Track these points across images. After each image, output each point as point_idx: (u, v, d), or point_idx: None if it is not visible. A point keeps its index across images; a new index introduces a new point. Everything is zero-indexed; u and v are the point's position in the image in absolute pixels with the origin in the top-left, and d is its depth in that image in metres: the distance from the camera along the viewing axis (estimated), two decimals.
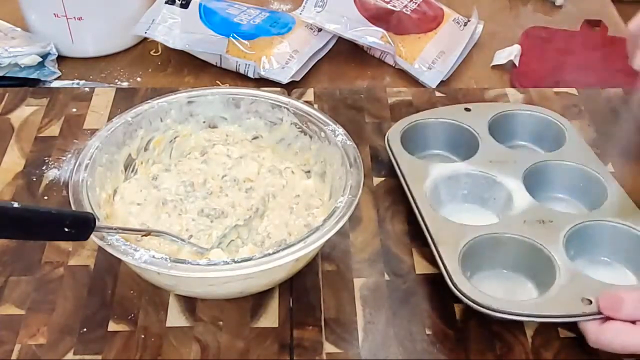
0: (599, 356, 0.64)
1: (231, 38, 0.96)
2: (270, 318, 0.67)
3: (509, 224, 0.71)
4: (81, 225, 0.59)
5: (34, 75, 0.96)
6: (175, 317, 0.67)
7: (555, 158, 0.79)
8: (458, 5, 1.09)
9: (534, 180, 0.76)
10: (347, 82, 0.98)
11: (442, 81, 0.97)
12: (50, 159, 0.83)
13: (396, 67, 1.00)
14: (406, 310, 0.68)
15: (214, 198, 0.72)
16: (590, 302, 0.62)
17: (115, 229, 0.63)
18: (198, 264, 0.60)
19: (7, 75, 0.95)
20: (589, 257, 0.71)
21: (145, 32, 0.98)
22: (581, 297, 0.63)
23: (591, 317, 0.62)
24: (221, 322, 0.67)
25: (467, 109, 0.85)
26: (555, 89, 0.95)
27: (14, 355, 0.64)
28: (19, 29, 1.02)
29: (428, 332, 0.66)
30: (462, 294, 0.64)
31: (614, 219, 0.71)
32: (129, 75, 0.99)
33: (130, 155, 0.74)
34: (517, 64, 1.00)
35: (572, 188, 0.78)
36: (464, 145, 0.82)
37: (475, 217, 0.75)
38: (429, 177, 0.76)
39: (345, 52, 1.02)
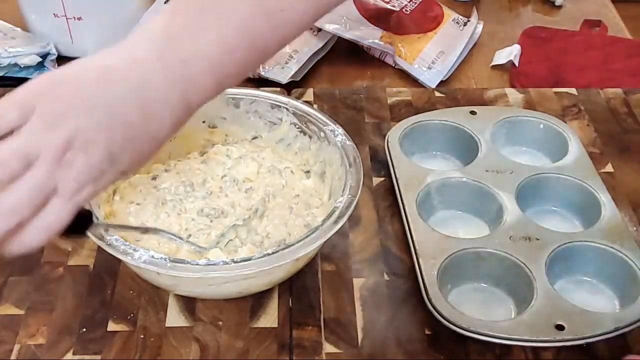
0: (599, 357, 0.64)
1: None
2: (269, 318, 0.67)
3: (494, 238, 0.71)
4: (78, 221, 0.59)
5: (34, 75, 0.96)
6: (175, 317, 0.67)
7: (554, 171, 0.78)
8: (458, 5, 1.09)
9: (530, 192, 0.76)
10: (346, 82, 0.98)
11: (441, 81, 0.97)
12: None
13: (396, 67, 1.00)
14: (406, 310, 0.68)
15: (213, 198, 0.72)
16: (563, 328, 0.62)
17: (114, 226, 0.63)
18: (197, 264, 0.60)
19: (7, 75, 0.95)
20: (573, 277, 0.70)
21: None
22: (554, 323, 0.63)
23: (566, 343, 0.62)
24: (221, 322, 0.67)
25: (473, 112, 0.85)
26: (555, 89, 0.95)
27: (14, 355, 0.64)
28: (19, 29, 1.02)
29: (428, 332, 0.66)
30: (436, 311, 0.64)
31: (602, 241, 0.70)
32: None
33: None
34: (517, 64, 1.00)
35: (568, 202, 0.77)
36: (465, 149, 0.82)
37: (467, 227, 0.75)
38: (423, 183, 0.76)
39: (345, 52, 1.02)
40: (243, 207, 0.71)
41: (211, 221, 0.70)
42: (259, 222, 0.71)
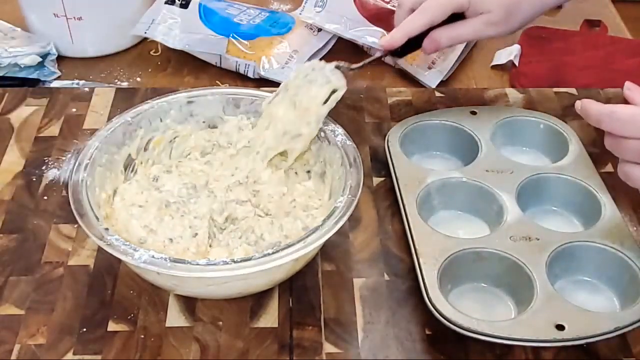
0: (599, 357, 0.65)
1: (231, 38, 0.96)
2: (269, 318, 0.67)
3: (494, 238, 0.71)
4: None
5: (34, 75, 0.96)
6: (175, 317, 0.67)
7: (554, 171, 0.78)
8: None
9: (530, 192, 0.76)
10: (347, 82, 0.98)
11: (441, 81, 0.97)
12: (50, 159, 0.83)
13: (396, 67, 1.00)
14: (406, 310, 0.68)
15: (215, 198, 0.72)
16: (563, 328, 0.62)
17: None
18: (198, 264, 0.60)
19: (7, 75, 0.95)
20: (573, 277, 0.70)
21: (145, 32, 0.98)
22: (554, 323, 0.63)
23: None
24: (221, 322, 0.67)
25: (473, 112, 0.85)
26: (555, 89, 0.95)
27: (14, 355, 0.64)
28: (19, 29, 1.02)
29: (428, 332, 0.66)
30: (436, 311, 0.63)
31: (602, 241, 0.70)
32: (128, 75, 0.99)
33: (130, 156, 0.74)
34: (517, 64, 1.00)
35: (568, 202, 0.77)
36: (465, 149, 0.82)
37: (467, 227, 0.75)
38: (423, 183, 0.76)
39: (345, 52, 1.01)
40: (243, 208, 0.71)
41: (214, 222, 0.70)
42: (259, 223, 0.70)
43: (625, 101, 0.70)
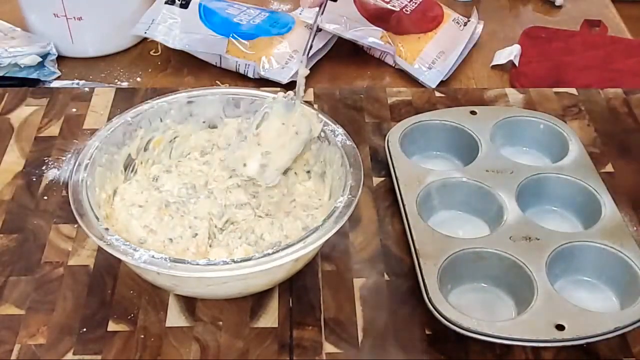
0: (599, 357, 0.65)
1: (231, 38, 0.96)
2: (269, 318, 0.67)
3: (494, 238, 0.71)
4: None
5: (33, 75, 0.96)
6: (175, 317, 0.67)
7: (554, 171, 0.78)
8: (458, 5, 1.09)
9: (530, 192, 0.76)
10: (347, 82, 0.98)
11: (441, 81, 0.97)
12: (50, 159, 0.83)
13: (396, 67, 1.00)
14: (406, 310, 0.68)
15: (215, 200, 0.72)
16: (563, 328, 0.62)
17: None
18: (197, 264, 0.60)
19: (7, 75, 0.95)
20: (573, 277, 0.70)
21: (145, 32, 0.98)
22: (554, 323, 0.63)
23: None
24: (221, 322, 0.67)
25: (473, 112, 0.85)
26: (555, 89, 0.95)
27: (14, 355, 0.64)
28: (19, 29, 1.02)
29: (428, 332, 0.66)
30: (436, 311, 0.63)
31: (602, 241, 0.70)
32: (128, 75, 0.99)
33: (130, 156, 0.74)
34: (517, 64, 1.00)
35: (568, 202, 0.77)
36: (465, 149, 0.82)
37: (467, 227, 0.75)
38: (423, 183, 0.76)
39: (345, 52, 1.02)
40: (243, 209, 0.71)
41: (214, 223, 0.70)
42: (259, 223, 0.70)
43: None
